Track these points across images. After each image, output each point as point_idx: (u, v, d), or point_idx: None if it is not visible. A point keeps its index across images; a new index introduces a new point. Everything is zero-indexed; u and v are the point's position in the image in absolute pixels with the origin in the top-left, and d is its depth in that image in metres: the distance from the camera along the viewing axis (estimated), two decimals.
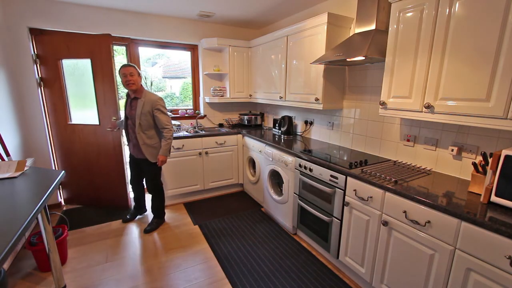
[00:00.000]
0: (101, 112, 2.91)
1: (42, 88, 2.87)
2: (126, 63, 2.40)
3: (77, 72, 2.93)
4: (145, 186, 2.77)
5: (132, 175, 2.68)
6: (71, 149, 3.04)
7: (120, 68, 2.25)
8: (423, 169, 1.91)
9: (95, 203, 3.19)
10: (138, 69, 2.28)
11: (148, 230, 2.61)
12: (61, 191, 3.18)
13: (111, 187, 3.09)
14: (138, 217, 2.91)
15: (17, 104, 2.66)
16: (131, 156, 2.60)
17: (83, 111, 3.02)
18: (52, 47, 2.81)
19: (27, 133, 2.81)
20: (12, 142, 2.45)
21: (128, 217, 2.81)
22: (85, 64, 2.90)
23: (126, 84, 2.23)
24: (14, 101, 2.62)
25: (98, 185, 3.12)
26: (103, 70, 2.80)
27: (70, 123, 2.99)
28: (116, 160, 2.98)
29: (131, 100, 2.37)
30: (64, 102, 2.94)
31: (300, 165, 2.32)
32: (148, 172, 2.54)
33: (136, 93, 2.30)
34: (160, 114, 2.31)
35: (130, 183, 2.72)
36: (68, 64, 2.92)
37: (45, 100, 2.91)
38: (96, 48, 2.80)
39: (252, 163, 3.39)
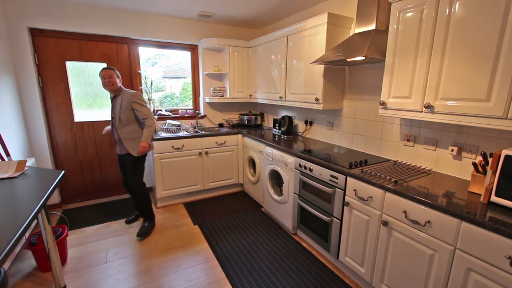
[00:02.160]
0: None
1: (42, 88, 2.87)
2: (105, 66, 2.51)
3: (86, 73, 3.08)
4: None
5: (123, 177, 2.67)
6: (78, 145, 3.17)
7: (100, 71, 2.34)
8: (423, 169, 1.91)
9: (103, 195, 3.42)
10: (116, 71, 2.37)
11: (139, 234, 2.51)
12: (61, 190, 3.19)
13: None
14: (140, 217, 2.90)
15: (19, 104, 2.66)
16: (118, 156, 2.62)
17: (93, 109, 3.21)
18: (59, 49, 2.88)
19: (29, 134, 2.82)
20: (15, 143, 2.45)
21: (131, 218, 2.82)
22: (95, 66, 3.09)
23: (104, 85, 2.33)
24: (17, 102, 2.62)
25: (108, 174, 3.41)
26: (121, 73, 3.06)
27: (76, 121, 3.11)
28: None
29: (112, 100, 2.47)
30: (70, 102, 3.03)
31: (300, 165, 2.32)
32: (129, 168, 2.51)
33: (115, 92, 2.41)
34: (139, 106, 2.38)
35: (123, 186, 2.71)
36: (74, 66, 3.02)
37: (47, 100, 2.92)
38: (113, 53, 3.02)
39: (252, 163, 3.39)
